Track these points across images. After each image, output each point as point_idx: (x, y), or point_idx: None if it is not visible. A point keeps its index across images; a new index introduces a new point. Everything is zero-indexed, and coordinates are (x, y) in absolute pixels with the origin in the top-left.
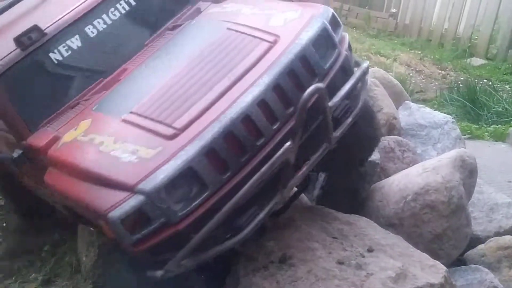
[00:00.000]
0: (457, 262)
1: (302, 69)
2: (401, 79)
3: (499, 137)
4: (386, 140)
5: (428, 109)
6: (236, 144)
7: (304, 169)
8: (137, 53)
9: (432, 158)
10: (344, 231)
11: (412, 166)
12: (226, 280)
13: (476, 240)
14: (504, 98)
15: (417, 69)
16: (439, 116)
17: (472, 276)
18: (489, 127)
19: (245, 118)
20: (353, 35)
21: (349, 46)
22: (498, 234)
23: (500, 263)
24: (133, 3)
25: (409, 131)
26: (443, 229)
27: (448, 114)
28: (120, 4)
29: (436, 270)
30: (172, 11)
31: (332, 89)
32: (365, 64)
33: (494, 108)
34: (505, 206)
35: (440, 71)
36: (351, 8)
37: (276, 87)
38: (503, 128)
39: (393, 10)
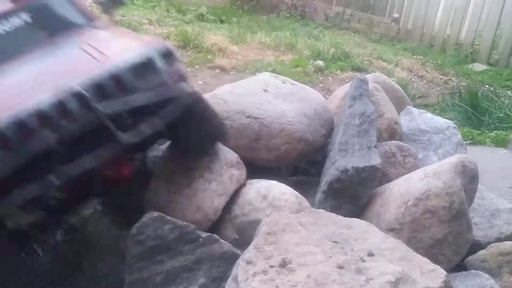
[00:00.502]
0: (457, 267)
1: (112, 85)
2: (403, 84)
3: (501, 143)
4: (388, 145)
5: (429, 115)
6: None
7: (78, 161)
8: None
9: (434, 163)
10: (345, 235)
11: (413, 171)
12: (226, 284)
13: (476, 246)
14: (505, 104)
15: (419, 74)
16: (441, 121)
17: (473, 282)
18: (490, 132)
19: (40, 114)
20: (355, 40)
21: (184, 79)
22: (499, 239)
23: (501, 268)
24: None
25: (411, 136)
26: (444, 234)
27: (449, 120)
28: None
29: (436, 275)
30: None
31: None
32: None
33: (495, 114)
34: (506, 212)
35: (442, 77)
36: (353, 13)
37: (77, 94)
38: (505, 134)
39: (396, 15)
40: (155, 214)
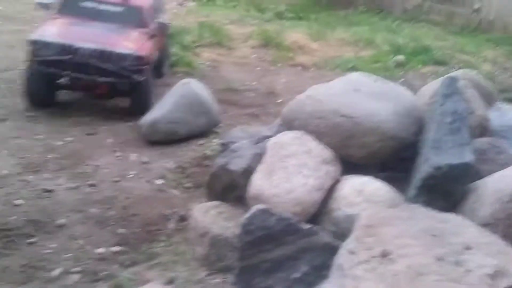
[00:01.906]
0: None
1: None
2: (488, 78)
3: None
4: (479, 142)
5: None
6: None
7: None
8: None
9: None
10: (441, 229)
11: (506, 167)
12: (330, 273)
13: None
14: None
15: (504, 67)
16: None
17: None
18: None
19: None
20: (434, 33)
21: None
22: None
23: None
24: None
25: (501, 133)
26: None
27: None
28: None
29: None
30: None
31: None
32: None
33: None
34: None
35: None
36: (432, 5)
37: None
38: None
39: (476, 6)
40: (263, 207)
